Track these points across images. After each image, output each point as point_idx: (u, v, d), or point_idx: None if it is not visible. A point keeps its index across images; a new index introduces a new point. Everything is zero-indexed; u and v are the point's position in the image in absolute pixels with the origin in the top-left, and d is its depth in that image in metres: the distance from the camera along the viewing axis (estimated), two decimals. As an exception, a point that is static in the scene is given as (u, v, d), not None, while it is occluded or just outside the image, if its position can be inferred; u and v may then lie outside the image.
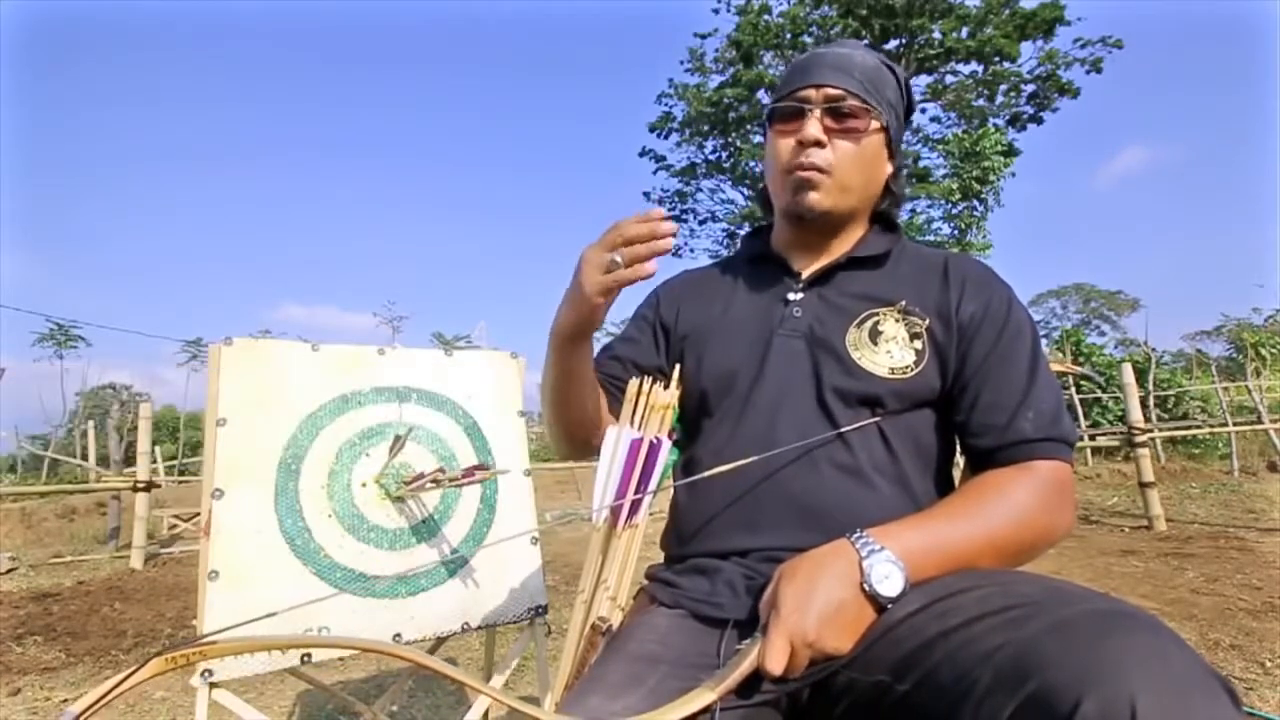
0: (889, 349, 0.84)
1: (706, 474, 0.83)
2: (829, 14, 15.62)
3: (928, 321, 0.85)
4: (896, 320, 0.85)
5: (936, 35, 15.36)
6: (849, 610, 0.64)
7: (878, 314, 0.86)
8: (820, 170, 0.87)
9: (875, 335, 0.85)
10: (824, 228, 0.92)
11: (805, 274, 0.93)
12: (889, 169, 0.94)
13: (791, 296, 0.92)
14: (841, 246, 0.94)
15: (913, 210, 16.46)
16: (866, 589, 0.64)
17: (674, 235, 0.75)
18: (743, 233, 1.09)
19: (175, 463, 16.88)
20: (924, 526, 0.71)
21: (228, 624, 1.17)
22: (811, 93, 0.88)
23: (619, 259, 0.75)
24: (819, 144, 0.87)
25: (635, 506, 0.87)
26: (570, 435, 0.96)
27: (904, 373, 0.82)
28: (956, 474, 0.88)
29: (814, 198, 0.88)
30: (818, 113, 0.87)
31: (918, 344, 0.84)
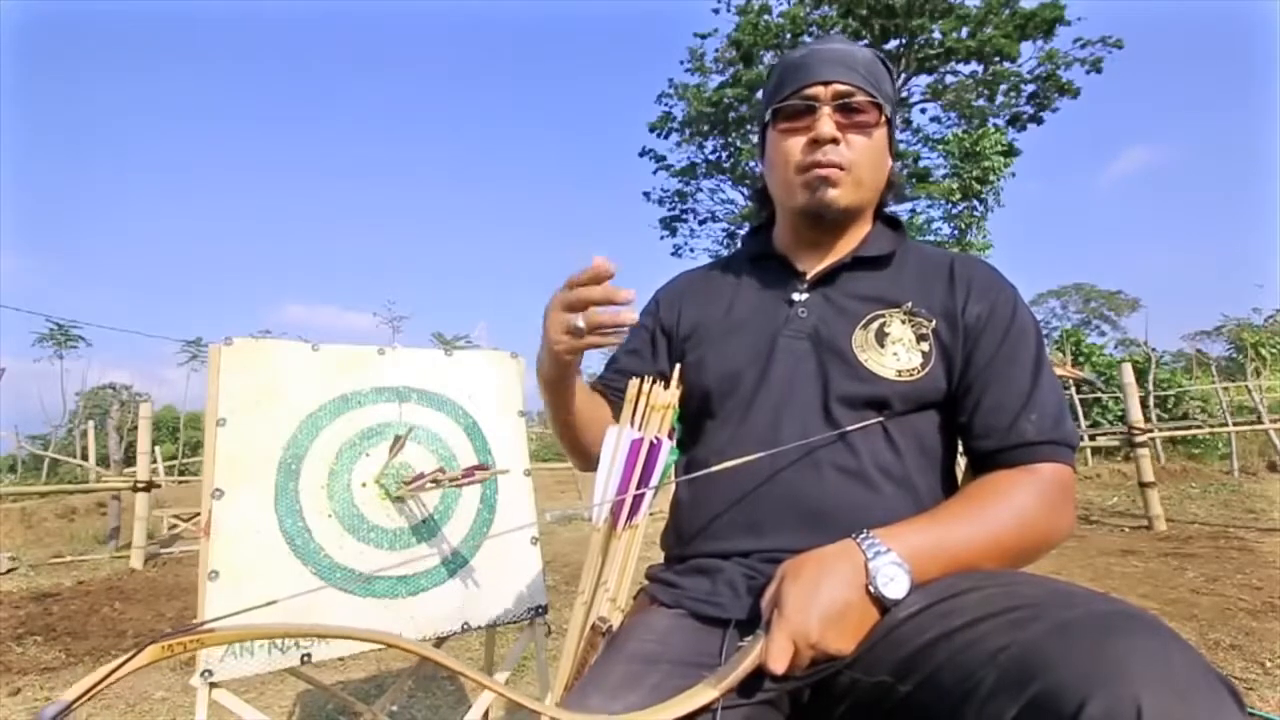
0: (895, 351, 0.83)
1: (708, 471, 0.82)
2: (829, 14, 15.61)
3: (934, 323, 0.84)
4: (903, 322, 0.85)
5: (936, 35, 15.34)
6: (853, 611, 0.64)
7: (883, 315, 0.86)
8: (839, 167, 0.86)
9: (881, 337, 0.84)
10: (836, 225, 0.92)
11: (809, 274, 0.92)
12: (889, 162, 0.94)
13: (796, 297, 0.91)
14: (846, 245, 0.93)
15: (913, 210, 16.46)
16: (871, 591, 0.64)
17: (631, 301, 0.74)
18: (743, 232, 1.09)
19: (175, 463, 16.86)
20: (928, 528, 0.70)
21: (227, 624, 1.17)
22: (820, 89, 0.87)
23: (580, 324, 0.75)
24: (834, 140, 0.86)
25: (635, 506, 0.86)
26: (582, 454, 0.98)
27: (911, 375, 0.82)
28: (959, 473, 0.88)
29: (834, 194, 0.87)
30: (829, 109, 0.86)
31: (924, 345, 0.83)
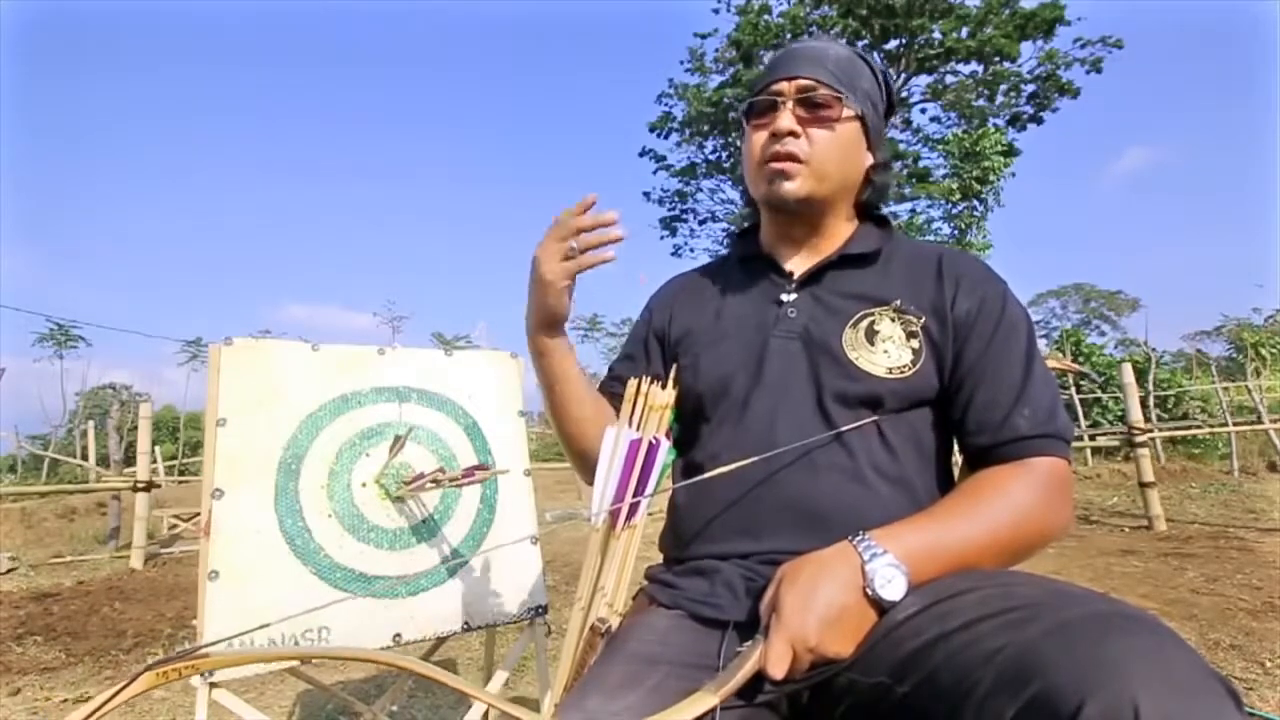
0: (886, 348, 0.83)
1: (706, 475, 0.82)
2: (829, 14, 15.60)
3: (923, 319, 0.84)
4: (892, 320, 0.85)
5: (936, 35, 15.33)
6: (851, 614, 0.64)
7: (872, 314, 0.86)
8: (795, 159, 0.87)
9: (871, 335, 0.84)
10: (805, 218, 0.92)
11: (797, 274, 0.93)
12: (869, 160, 0.93)
13: (785, 297, 0.91)
14: (830, 244, 0.93)
15: (913, 210, 16.47)
16: (869, 593, 0.64)
17: (617, 222, 0.83)
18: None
19: (175, 463, 16.87)
20: (925, 528, 0.70)
21: (228, 624, 1.17)
22: (784, 85, 0.89)
23: (575, 245, 0.83)
24: (793, 134, 0.87)
25: (634, 507, 0.87)
26: (580, 452, 0.95)
27: (902, 372, 0.82)
28: (955, 470, 0.88)
29: (789, 186, 0.88)
30: (790, 104, 0.88)
31: (914, 343, 0.83)
